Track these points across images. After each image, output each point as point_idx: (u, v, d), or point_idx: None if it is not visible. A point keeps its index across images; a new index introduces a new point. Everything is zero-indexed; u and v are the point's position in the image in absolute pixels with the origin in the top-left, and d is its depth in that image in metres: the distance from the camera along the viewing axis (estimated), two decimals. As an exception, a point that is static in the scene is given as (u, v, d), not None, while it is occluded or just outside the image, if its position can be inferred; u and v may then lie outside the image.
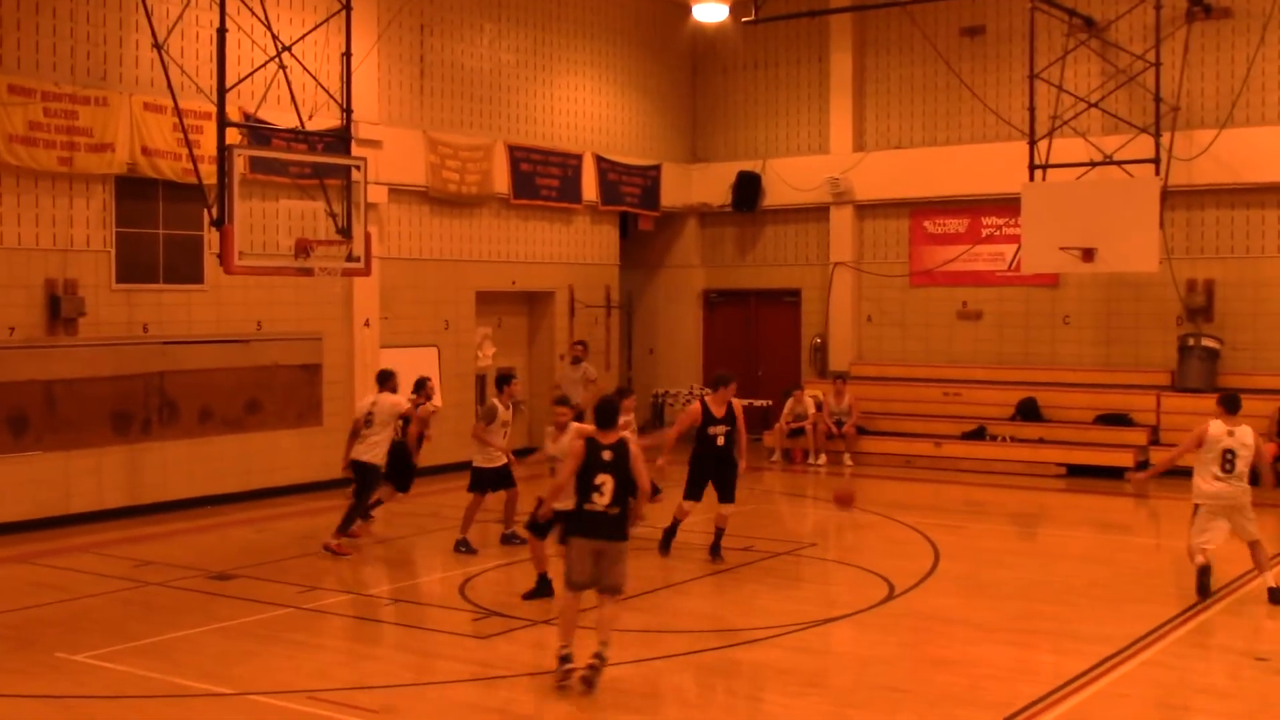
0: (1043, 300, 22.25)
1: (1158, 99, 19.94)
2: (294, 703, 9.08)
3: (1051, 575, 13.45)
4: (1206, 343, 20.38)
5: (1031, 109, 20.29)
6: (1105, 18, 21.26)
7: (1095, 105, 20.77)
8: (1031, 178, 20.16)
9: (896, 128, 23.63)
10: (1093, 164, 20.08)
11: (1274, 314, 20.43)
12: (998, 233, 22.29)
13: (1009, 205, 20.95)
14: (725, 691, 9.63)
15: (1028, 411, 21.39)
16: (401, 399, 14.81)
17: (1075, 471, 20.17)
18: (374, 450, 14.32)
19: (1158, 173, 19.65)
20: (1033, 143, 20.19)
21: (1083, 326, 21.96)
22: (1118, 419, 20.72)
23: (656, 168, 24.45)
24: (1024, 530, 17.14)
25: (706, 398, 14.05)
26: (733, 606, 12.15)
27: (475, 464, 14.28)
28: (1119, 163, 19.90)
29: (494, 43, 21.50)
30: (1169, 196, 19.79)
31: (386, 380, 14.61)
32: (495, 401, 14.38)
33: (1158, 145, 19.79)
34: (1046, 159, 20.18)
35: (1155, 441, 20.26)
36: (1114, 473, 19.77)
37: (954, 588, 12.83)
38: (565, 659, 9.31)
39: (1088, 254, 19.28)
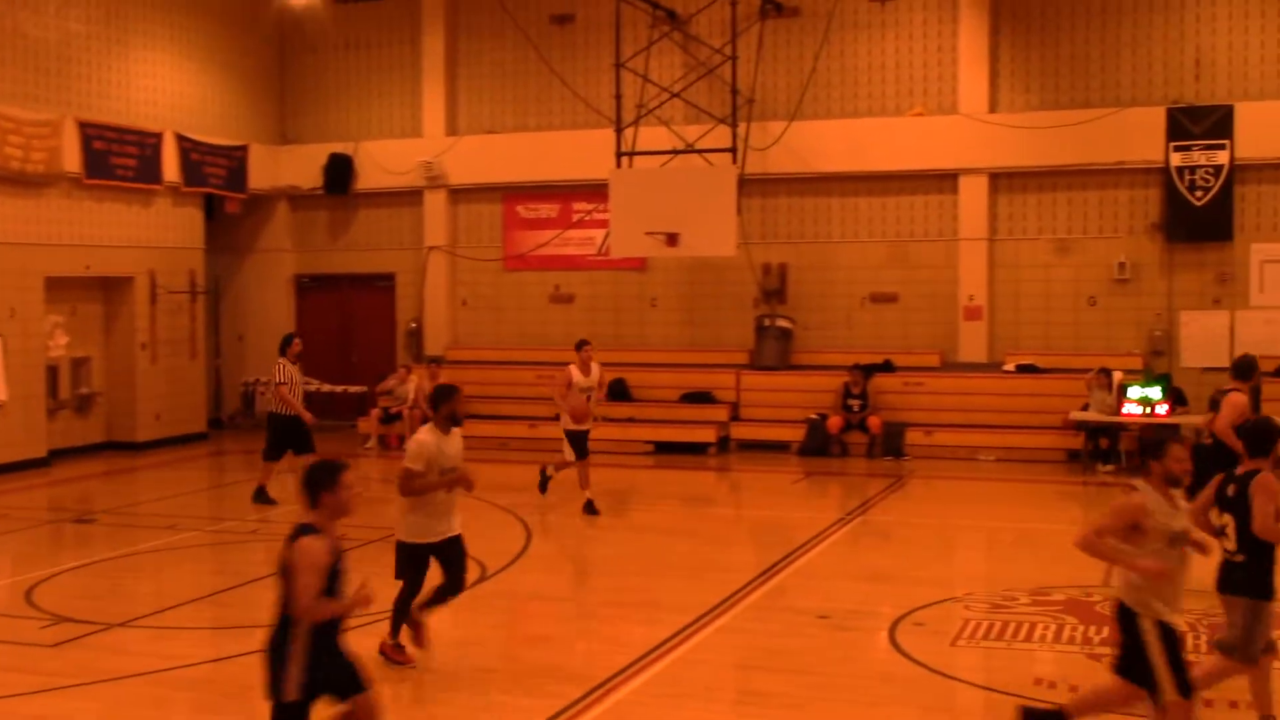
0: (631, 284, 22.95)
1: (734, 91, 20.90)
2: None
3: (640, 549, 13.92)
4: (781, 323, 21.60)
5: (618, 97, 20.87)
6: (687, 11, 22.07)
7: (678, 95, 21.58)
8: (619, 164, 20.73)
9: (489, 112, 23.76)
10: (675, 152, 20.85)
11: (841, 295, 21.86)
12: (588, 217, 22.80)
13: (598, 191, 21.46)
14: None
15: (618, 392, 22.01)
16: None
17: (662, 448, 20.94)
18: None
19: (735, 161, 20.57)
20: (619, 130, 20.77)
21: (669, 309, 22.80)
22: (701, 397, 21.63)
23: (243, 148, 23.59)
24: (614, 506, 17.58)
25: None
26: (324, 597, 11.88)
27: None
28: (700, 151, 20.74)
29: (61, 11, 20.10)
30: (745, 184, 20.82)
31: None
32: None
33: (734, 135, 20.70)
34: (633, 146, 20.80)
35: (735, 417, 21.30)
36: (698, 448, 20.66)
37: (546, 566, 13.07)
38: None
39: (671, 239, 20.01)
